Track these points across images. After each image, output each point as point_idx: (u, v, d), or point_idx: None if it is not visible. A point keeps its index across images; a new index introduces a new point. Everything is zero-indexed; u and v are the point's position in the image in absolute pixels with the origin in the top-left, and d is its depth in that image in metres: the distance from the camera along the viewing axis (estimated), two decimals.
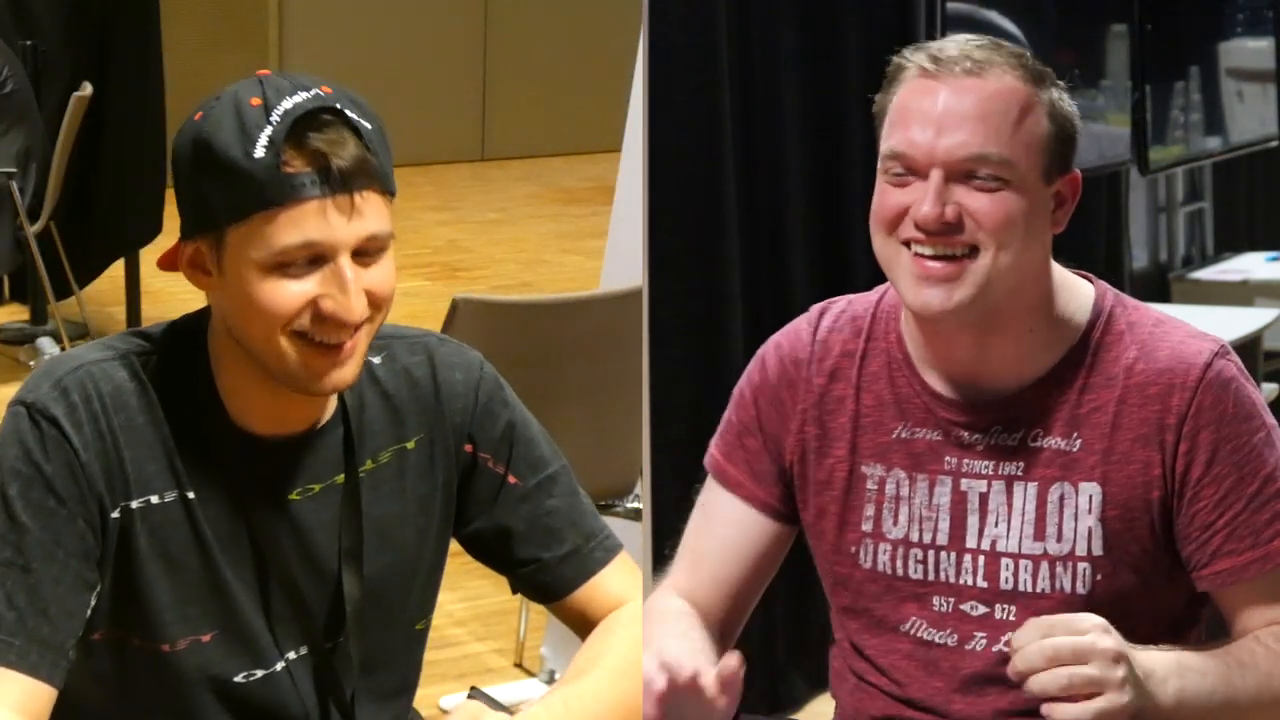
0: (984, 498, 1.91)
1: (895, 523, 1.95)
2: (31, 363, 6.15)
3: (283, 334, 1.72)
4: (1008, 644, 1.76)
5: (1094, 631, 1.73)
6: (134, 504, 1.77)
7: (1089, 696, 1.71)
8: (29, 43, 6.28)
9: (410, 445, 1.89)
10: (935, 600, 1.93)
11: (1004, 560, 1.90)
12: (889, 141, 1.87)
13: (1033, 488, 1.90)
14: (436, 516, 1.92)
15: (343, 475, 1.85)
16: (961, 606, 1.92)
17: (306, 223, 1.69)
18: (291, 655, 1.86)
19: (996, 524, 1.91)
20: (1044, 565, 1.89)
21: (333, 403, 1.85)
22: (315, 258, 1.71)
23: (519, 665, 4.08)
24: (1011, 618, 1.89)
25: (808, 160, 3.51)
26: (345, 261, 1.71)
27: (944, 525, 1.93)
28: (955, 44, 1.88)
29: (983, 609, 1.91)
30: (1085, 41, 4.48)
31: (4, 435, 1.76)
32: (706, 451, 2.08)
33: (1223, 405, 1.86)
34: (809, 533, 2.03)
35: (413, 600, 1.93)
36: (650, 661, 1.69)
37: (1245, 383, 1.89)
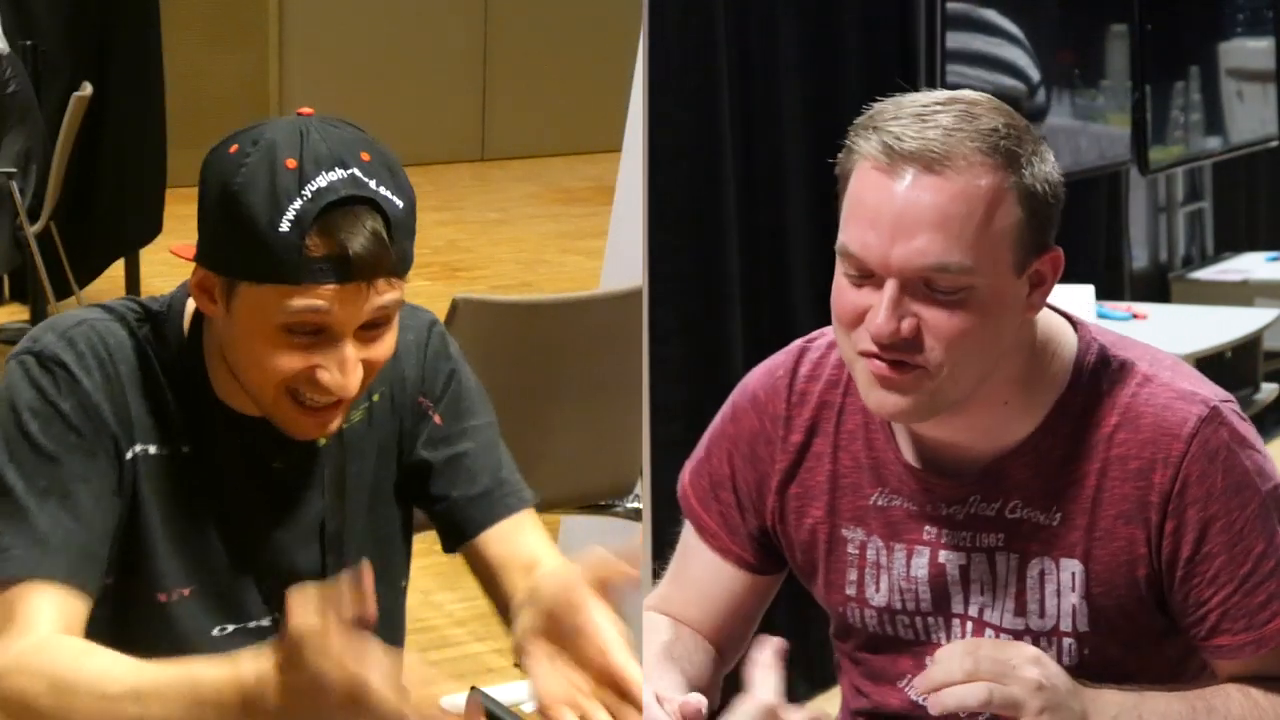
0: (964, 570, 1.83)
1: (878, 590, 1.88)
2: None
3: (275, 389, 1.78)
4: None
5: (1020, 660, 1.67)
6: (138, 449, 1.83)
7: None
8: (29, 43, 6.28)
9: (375, 398, 1.95)
10: (929, 660, 1.79)
11: (988, 631, 1.83)
12: (843, 236, 1.72)
13: (1014, 559, 1.81)
14: (395, 465, 1.97)
15: (324, 438, 1.89)
16: None
17: (318, 303, 1.73)
18: (279, 615, 1.86)
19: (981, 592, 1.83)
20: (1027, 640, 1.80)
21: None
22: (320, 329, 1.75)
23: (519, 665, 4.07)
24: None
25: (808, 160, 3.51)
26: (348, 341, 1.76)
27: (925, 595, 1.86)
28: (914, 129, 1.69)
29: None
30: (1085, 41, 4.48)
31: (14, 383, 1.81)
32: (679, 479, 2.01)
33: (1210, 480, 1.75)
34: (802, 580, 1.98)
35: (396, 557, 1.98)
36: (649, 695, 1.69)
37: (1238, 448, 1.77)
